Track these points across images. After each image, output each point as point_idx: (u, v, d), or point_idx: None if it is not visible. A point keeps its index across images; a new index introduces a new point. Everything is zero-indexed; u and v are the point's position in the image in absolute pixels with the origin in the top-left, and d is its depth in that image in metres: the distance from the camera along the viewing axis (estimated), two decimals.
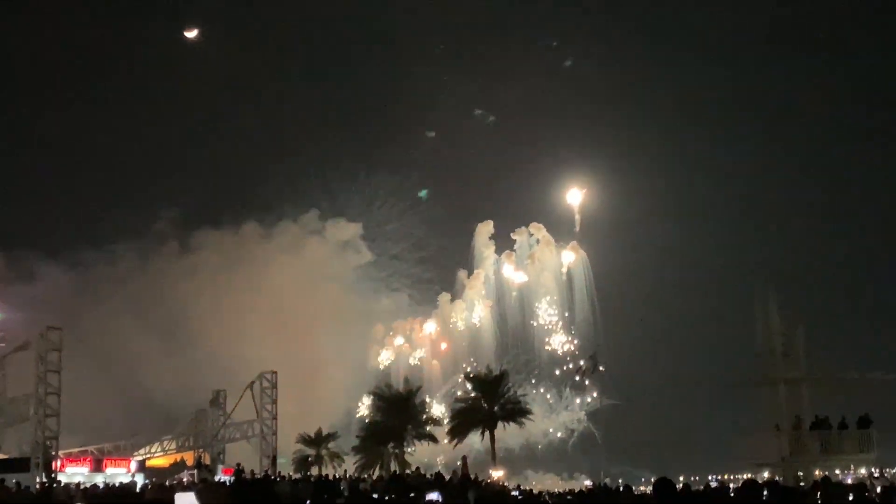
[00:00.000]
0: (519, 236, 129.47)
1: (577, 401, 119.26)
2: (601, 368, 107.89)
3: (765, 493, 15.75)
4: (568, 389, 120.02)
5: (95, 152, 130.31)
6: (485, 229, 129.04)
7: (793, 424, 55.68)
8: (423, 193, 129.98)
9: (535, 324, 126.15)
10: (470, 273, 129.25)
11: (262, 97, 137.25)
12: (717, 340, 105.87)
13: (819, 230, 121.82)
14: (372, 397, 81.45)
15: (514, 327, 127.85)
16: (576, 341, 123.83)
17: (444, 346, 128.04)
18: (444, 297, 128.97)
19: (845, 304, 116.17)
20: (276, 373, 71.66)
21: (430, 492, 34.12)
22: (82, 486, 47.27)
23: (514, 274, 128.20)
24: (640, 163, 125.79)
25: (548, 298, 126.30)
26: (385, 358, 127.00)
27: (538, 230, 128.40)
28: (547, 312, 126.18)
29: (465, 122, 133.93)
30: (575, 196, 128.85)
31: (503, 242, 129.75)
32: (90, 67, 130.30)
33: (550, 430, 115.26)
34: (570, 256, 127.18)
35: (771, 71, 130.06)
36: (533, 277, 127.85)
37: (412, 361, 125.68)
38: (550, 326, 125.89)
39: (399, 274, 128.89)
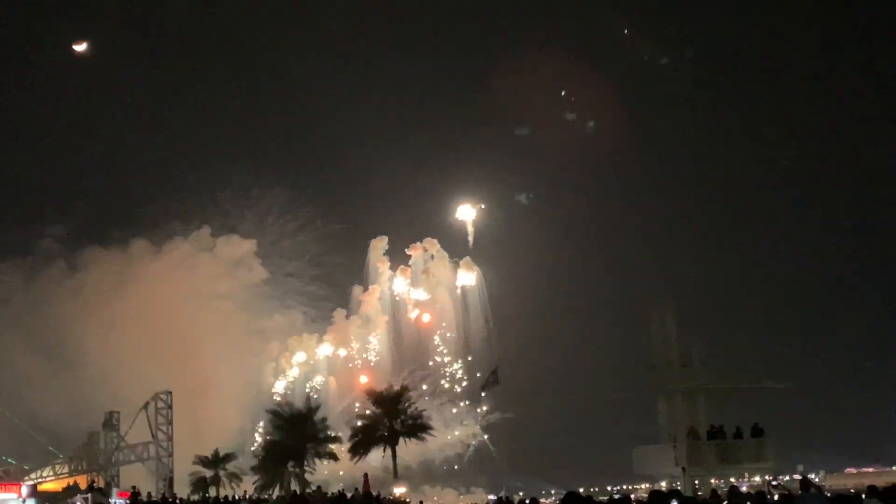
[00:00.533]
0: (414, 252, 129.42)
1: (474, 414, 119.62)
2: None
3: (673, 502, 15.81)
4: (463, 404, 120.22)
5: None
6: (379, 245, 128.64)
7: (689, 435, 56.63)
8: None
9: (432, 340, 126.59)
10: (365, 289, 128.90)
11: (151, 112, 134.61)
12: (614, 354, 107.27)
13: (713, 243, 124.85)
14: (271, 416, 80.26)
15: (410, 343, 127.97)
16: (470, 357, 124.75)
17: (341, 354, 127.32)
18: (340, 312, 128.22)
19: (738, 315, 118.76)
20: (170, 393, 70.48)
21: None
22: None
23: (407, 289, 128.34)
24: (532, 180, 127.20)
25: (443, 315, 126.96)
26: (284, 381, 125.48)
27: (432, 246, 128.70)
28: (442, 328, 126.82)
29: (361, 137, 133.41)
30: (467, 212, 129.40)
31: (398, 258, 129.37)
32: None
33: (447, 446, 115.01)
34: (466, 273, 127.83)
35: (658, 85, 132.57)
36: (428, 293, 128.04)
37: (309, 385, 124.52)
38: (445, 343, 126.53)
39: (293, 291, 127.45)
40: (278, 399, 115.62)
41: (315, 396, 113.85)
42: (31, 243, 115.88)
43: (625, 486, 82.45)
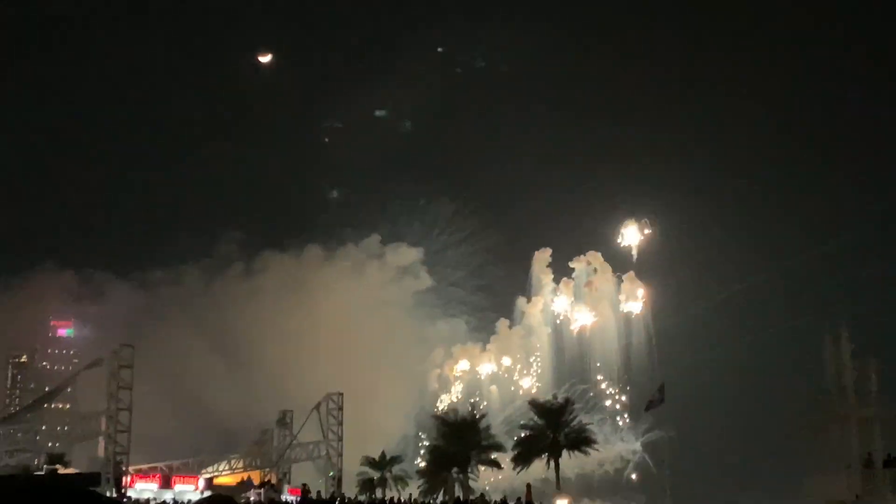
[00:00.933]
0: (577, 265, 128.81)
1: (634, 431, 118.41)
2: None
3: None
4: (622, 421, 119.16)
5: (164, 176, 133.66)
6: (542, 257, 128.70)
7: (864, 463, 54.78)
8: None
9: (594, 355, 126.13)
10: (528, 300, 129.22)
11: (323, 120, 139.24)
12: (786, 379, 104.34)
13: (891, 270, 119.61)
14: (437, 422, 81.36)
15: (571, 357, 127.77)
16: (631, 374, 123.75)
17: (504, 363, 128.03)
18: (503, 322, 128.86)
19: None
20: (342, 394, 72.24)
21: None
22: (152, 503, 47.95)
23: (571, 302, 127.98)
24: (702, 198, 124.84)
25: (606, 330, 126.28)
26: (449, 388, 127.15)
27: (596, 259, 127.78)
28: (604, 343, 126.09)
29: (525, 150, 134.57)
30: (632, 231, 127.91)
31: (561, 271, 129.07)
32: (161, 91, 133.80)
33: (605, 461, 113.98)
34: (630, 288, 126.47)
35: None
36: (590, 305, 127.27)
37: (473, 395, 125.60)
38: (607, 358, 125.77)
39: (457, 300, 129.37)
40: (443, 406, 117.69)
41: (480, 404, 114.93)
42: (211, 247, 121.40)
43: None
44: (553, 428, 71.38)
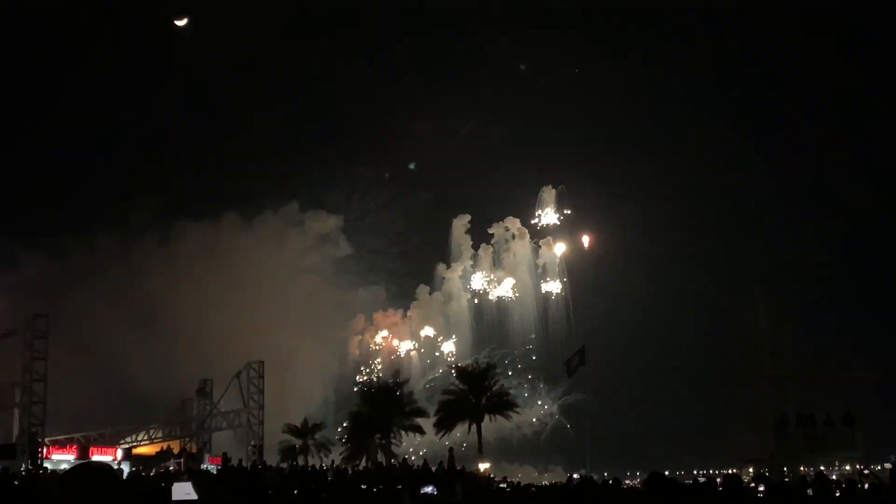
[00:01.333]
0: (496, 230, 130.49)
1: (552, 395, 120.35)
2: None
3: (761, 487, 15.89)
4: (541, 384, 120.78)
5: (76, 138, 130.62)
6: (461, 223, 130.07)
7: (778, 421, 56.08)
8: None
9: (512, 319, 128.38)
10: (448, 266, 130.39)
11: (242, 87, 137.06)
12: (702, 339, 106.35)
13: (804, 228, 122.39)
14: (358, 388, 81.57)
15: (490, 321, 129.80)
16: (548, 338, 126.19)
17: (423, 334, 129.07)
18: (423, 289, 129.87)
19: (829, 301, 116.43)
20: (262, 362, 71.81)
21: (425, 485, 34.22)
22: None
23: (490, 273, 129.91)
24: (617, 162, 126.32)
25: (523, 295, 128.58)
26: (369, 355, 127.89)
27: (514, 224, 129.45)
28: (521, 308, 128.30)
29: (446, 119, 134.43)
30: (549, 194, 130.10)
31: (480, 237, 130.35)
32: (74, 49, 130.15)
33: (523, 424, 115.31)
34: (547, 253, 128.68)
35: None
36: (508, 271, 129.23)
37: (392, 359, 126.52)
38: (524, 323, 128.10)
39: (377, 268, 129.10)
40: (366, 372, 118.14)
41: (401, 371, 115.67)
42: (126, 214, 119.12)
43: (710, 471, 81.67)
44: (475, 392, 72.08)
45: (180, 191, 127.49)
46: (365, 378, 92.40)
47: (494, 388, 73.92)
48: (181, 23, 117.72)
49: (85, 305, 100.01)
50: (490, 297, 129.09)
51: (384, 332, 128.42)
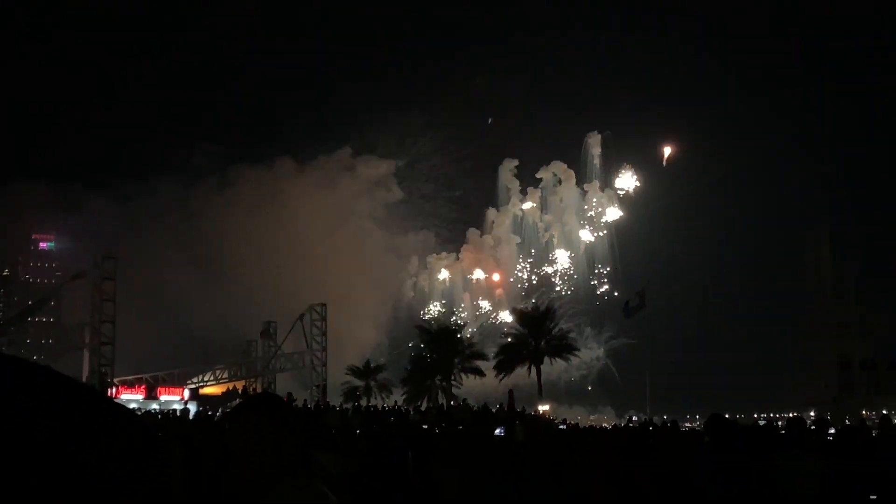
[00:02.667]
0: (544, 174, 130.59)
1: (598, 338, 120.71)
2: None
3: (831, 430, 15.85)
4: (587, 328, 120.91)
5: (138, 86, 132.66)
6: (509, 167, 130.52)
7: (841, 366, 55.68)
8: None
9: (555, 266, 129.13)
10: (497, 210, 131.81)
11: (297, 35, 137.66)
12: (764, 281, 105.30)
13: (875, 171, 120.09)
14: (419, 331, 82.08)
15: (541, 265, 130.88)
16: (605, 282, 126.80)
17: (474, 277, 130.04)
18: (474, 232, 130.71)
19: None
20: (325, 305, 72.43)
21: (497, 426, 34.61)
22: (137, 413, 48.35)
23: (538, 212, 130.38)
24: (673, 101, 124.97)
25: (571, 239, 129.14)
26: (426, 297, 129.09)
27: (560, 168, 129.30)
28: (570, 251, 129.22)
29: (496, 64, 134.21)
30: (595, 139, 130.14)
31: (527, 181, 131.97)
32: (134, 3, 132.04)
33: (571, 368, 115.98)
34: (598, 197, 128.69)
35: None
36: (556, 216, 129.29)
37: (444, 302, 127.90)
38: (574, 266, 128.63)
39: (427, 213, 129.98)
40: (429, 315, 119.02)
41: (458, 313, 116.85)
42: (186, 160, 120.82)
43: (771, 414, 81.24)
44: (535, 335, 72.33)
45: (236, 136, 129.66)
46: (428, 317, 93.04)
47: (554, 331, 74.12)
48: None
49: (147, 250, 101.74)
50: (540, 239, 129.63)
51: (445, 273, 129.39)
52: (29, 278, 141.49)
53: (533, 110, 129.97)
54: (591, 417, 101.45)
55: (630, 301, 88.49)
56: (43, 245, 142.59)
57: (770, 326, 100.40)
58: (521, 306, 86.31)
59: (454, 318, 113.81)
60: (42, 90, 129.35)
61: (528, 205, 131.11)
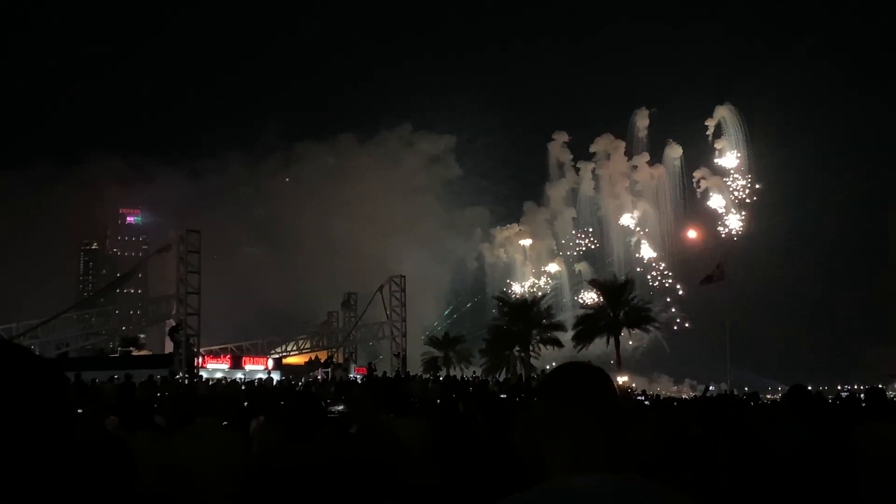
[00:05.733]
0: (596, 147, 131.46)
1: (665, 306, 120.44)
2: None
3: None
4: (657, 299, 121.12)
5: (207, 65, 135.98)
6: (560, 141, 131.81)
7: None
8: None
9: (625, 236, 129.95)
10: (550, 183, 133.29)
11: (355, 15, 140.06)
12: (847, 254, 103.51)
13: None
14: (498, 302, 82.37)
15: (594, 238, 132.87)
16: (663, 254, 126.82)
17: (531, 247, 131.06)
18: (531, 205, 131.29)
19: None
20: (404, 277, 72.86)
21: None
22: (223, 381, 49.36)
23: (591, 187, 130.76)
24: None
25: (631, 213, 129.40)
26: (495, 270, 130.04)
27: (610, 143, 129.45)
28: (631, 224, 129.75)
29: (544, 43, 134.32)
30: (642, 115, 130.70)
31: (580, 153, 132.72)
32: None
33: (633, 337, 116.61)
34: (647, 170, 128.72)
35: None
36: (608, 189, 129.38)
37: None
38: (635, 237, 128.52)
39: (483, 189, 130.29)
40: (512, 287, 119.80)
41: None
42: (254, 137, 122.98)
43: (854, 387, 79.95)
44: (613, 306, 72.22)
45: (301, 113, 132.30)
46: (511, 290, 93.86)
47: (633, 302, 73.92)
48: None
49: (221, 223, 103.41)
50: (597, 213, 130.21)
51: (528, 240, 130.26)
52: (116, 251, 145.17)
53: (583, 83, 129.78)
54: (673, 388, 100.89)
55: (711, 272, 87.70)
56: (130, 219, 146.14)
57: (854, 300, 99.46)
58: (602, 277, 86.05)
59: (532, 288, 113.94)
60: (116, 70, 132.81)
61: (580, 178, 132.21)
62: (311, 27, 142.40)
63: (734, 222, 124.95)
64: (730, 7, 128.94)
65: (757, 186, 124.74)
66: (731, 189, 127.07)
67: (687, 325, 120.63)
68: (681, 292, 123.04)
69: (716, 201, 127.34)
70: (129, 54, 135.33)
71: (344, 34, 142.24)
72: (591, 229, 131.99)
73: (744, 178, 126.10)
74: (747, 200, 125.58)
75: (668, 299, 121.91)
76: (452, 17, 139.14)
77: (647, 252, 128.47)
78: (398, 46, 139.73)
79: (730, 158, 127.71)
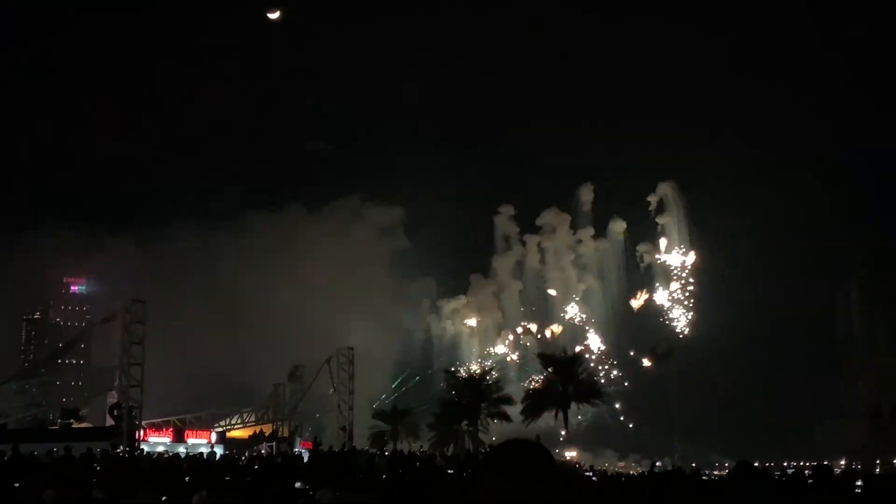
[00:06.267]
0: (541, 221, 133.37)
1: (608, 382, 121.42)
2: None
3: (858, 482, 15.78)
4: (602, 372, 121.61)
5: (157, 133, 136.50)
6: (506, 213, 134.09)
7: (872, 413, 55.11)
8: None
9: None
10: (498, 255, 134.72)
11: (308, 90, 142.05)
12: (794, 327, 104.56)
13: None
14: (446, 375, 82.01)
15: (539, 309, 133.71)
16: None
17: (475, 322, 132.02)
18: (478, 278, 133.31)
19: None
20: (352, 349, 72.45)
21: None
22: (165, 456, 48.39)
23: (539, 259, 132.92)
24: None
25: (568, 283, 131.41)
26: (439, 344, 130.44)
27: (556, 217, 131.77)
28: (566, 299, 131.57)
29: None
30: (587, 191, 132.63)
31: (527, 227, 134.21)
32: (158, 57, 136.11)
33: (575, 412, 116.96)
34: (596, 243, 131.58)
35: None
36: (553, 262, 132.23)
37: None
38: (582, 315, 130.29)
39: (430, 261, 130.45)
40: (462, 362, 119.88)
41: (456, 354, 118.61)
42: (204, 205, 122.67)
43: (801, 462, 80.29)
44: (563, 380, 72.08)
45: (250, 182, 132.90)
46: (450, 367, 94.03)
47: (582, 377, 73.86)
48: (272, 15, 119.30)
49: (169, 292, 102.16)
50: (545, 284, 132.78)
51: (474, 319, 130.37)
52: (59, 321, 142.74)
53: (529, 156, 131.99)
54: (620, 464, 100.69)
55: (658, 347, 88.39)
56: (74, 288, 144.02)
57: (803, 376, 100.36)
58: (551, 350, 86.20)
59: (483, 363, 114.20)
60: (63, 139, 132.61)
61: (526, 251, 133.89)
62: (261, 97, 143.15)
63: (681, 319, 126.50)
64: (672, 87, 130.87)
65: (698, 279, 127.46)
66: (675, 279, 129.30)
67: (632, 399, 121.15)
68: (624, 368, 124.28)
69: (660, 296, 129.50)
70: (79, 123, 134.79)
71: (294, 104, 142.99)
72: (534, 308, 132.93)
73: (686, 273, 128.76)
74: (690, 289, 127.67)
75: (613, 375, 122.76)
76: (403, 90, 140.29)
77: (592, 334, 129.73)
78: (347, 119, 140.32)
79: (675, 257, 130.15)
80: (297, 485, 21.55)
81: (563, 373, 72.31)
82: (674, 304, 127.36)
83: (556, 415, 71.93)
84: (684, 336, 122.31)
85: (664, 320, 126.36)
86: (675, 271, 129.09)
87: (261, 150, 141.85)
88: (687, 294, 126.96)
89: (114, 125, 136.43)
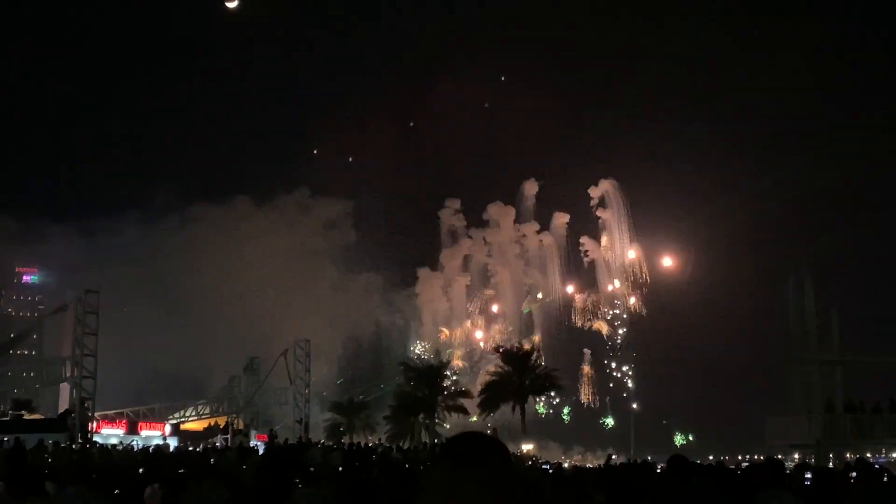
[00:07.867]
0: (489, 215, 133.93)
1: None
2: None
3: (808, 474, 15.90)
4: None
5: (103, 123, 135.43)
6: (452, 207, 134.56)
7: (825, 407, 55.59)
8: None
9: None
10: (445, 249, 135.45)
11: (259, 80, 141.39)
12: (747, 323, 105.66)
13: (855, 215, 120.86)
14: (403, 367, 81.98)
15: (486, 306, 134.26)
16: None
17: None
18: (425, 272, 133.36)
19: (880, 287, 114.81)
20: (309, 341, 72.00)
21: None
22: (118, 448, 47.87)
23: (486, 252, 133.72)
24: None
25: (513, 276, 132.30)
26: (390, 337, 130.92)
27: (501, 211, 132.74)
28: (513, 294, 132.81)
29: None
30: (531, 186, 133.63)
31: (473, 221, 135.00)
32: (107, 47, 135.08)
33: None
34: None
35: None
36: (499, 256, 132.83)
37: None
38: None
39: (378, 254, 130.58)
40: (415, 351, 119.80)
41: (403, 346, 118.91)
42: (150, 197, 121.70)
43: (756, 457, 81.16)
44: (519, 373, 72.33)
45: (196, 176, 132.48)
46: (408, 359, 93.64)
47: (538, 370, 74.19)
48: (231, 4, 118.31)
49: (115, 284, 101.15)
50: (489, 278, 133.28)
51: (422, 307, 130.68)
52: (11, 311, 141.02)
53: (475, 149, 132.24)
54: (576, 457, 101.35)
55: (620, 342, 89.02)
56: (26, 278, 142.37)
57: (755, 370, 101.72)
58: (509, 344, 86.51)
59: (439, 355, 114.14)
60: (7, 128, 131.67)
61: (473, 245, 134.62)
62: (209, 89, 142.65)
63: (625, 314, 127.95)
64: (620, 85, 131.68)
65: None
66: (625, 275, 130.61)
67: (585, 392, 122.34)
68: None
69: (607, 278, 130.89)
70: (22, 112, 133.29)
71: (242, 97, 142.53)
72: (485, 299, 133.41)
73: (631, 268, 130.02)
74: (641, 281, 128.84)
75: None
76: (351, 85, 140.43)
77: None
78: (296, 111, 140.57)
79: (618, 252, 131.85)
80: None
81: (520, 366, 72.61)
82: (618, 297, 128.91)
83: (513, 408, 72.25)
84: (633, 327, 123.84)
85: (609, 310, 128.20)
86: (620, 266, 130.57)
87: (207, 142, 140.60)
88: (632, 288, 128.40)
89: (53, 113, 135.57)
